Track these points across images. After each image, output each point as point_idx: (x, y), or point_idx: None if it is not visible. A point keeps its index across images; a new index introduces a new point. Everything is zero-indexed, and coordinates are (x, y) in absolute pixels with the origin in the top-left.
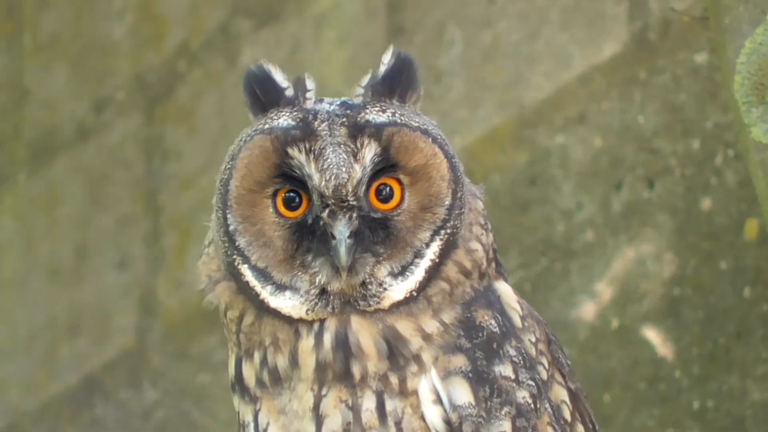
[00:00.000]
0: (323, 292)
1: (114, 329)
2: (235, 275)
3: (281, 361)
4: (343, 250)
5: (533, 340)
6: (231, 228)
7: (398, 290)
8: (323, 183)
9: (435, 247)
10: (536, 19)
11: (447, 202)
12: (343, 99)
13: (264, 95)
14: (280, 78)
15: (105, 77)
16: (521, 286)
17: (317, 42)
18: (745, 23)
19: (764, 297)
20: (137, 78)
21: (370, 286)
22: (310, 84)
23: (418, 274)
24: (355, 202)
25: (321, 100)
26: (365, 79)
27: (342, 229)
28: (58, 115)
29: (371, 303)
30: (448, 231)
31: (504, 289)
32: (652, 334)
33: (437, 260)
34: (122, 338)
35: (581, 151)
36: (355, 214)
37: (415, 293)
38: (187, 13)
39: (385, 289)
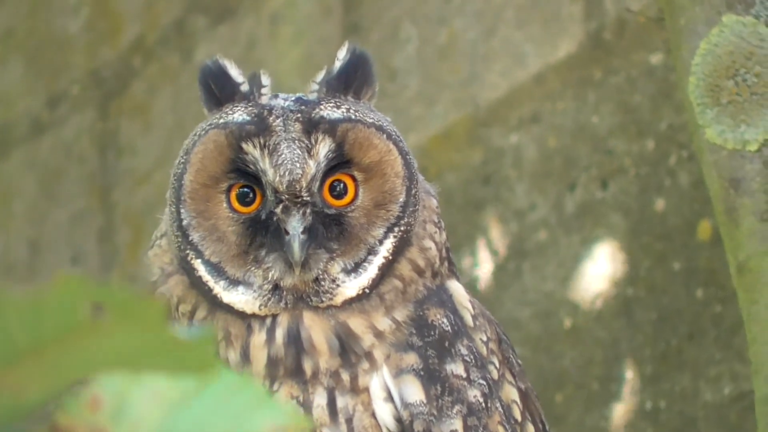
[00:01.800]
0: (276, 287)
1: None
2: (188, 270)
3: (232, 356)
4: (296, 246)
5: (484, 339)
6: (184, 222)
7: (351, 287)
8: (277, 178)
9: (388, 244)
10: (492, 17)
11: (401, 199)
12: (298, 95)
13: (219, 90)
14: (235, 73)
15: (60, 72)
16: (474, 285)
17: (273, 39)
18: (701, 24)
19: (717, 298)
20: (92, 73)
21: (323, 282)
22: (265, 79)
23: (371, 271)
24: (308, 198)
25: (276, 96)
26: (320, 75)
27: (295, 225)
28: (13, 110)
29: (324, 299)
30: (402, 228)
31: (456, 288)
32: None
33: (390, 257)
34: None
35: (535, 150)
36: (308, 210)
37: (367, 290)
38: (143, 8)
39: (338, 285)
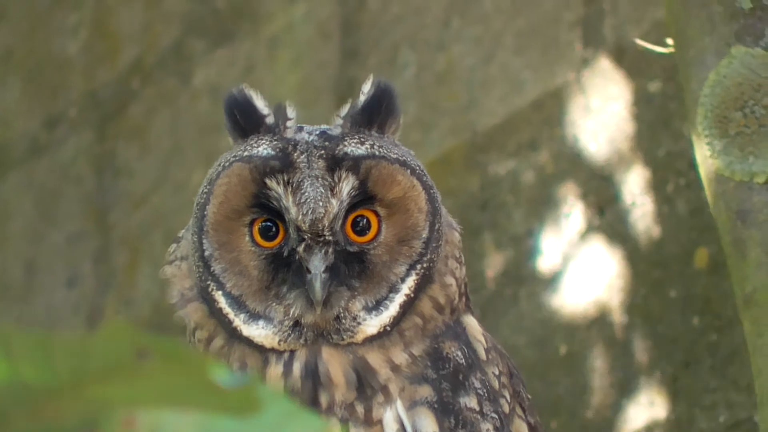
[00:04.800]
0: (297, 324)
1: None
2: (207, 299)
3: None
4: (318, 285)
5: (497, 372)
6: (206, 253)
7: (372, 325)
8: (300, 217)
9: (410, 281)
10: (490, 43)
11: (424, 235)
12: (322, 128)
13: (244, 120)
14: (261, 104)
15: (58, 93)
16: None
17: (271, 63)
18: (710, 55)
19: (713, 326)
20: (90, 95)
21: (344, 321)
22: (290, 112)
23: (392, 309)
24: (331, 237)
25: (301, 129)
26: (344, 109)
27: (317, 264)
28: (11, 130)
29: (344, 337)
30: (425, 265)
31: (470, 321)
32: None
33: (412, 295)
34: None
35: (533, 177)
36: (331, 249)
37: (389, 328)
38: (141, 31)
39: (359, 323)
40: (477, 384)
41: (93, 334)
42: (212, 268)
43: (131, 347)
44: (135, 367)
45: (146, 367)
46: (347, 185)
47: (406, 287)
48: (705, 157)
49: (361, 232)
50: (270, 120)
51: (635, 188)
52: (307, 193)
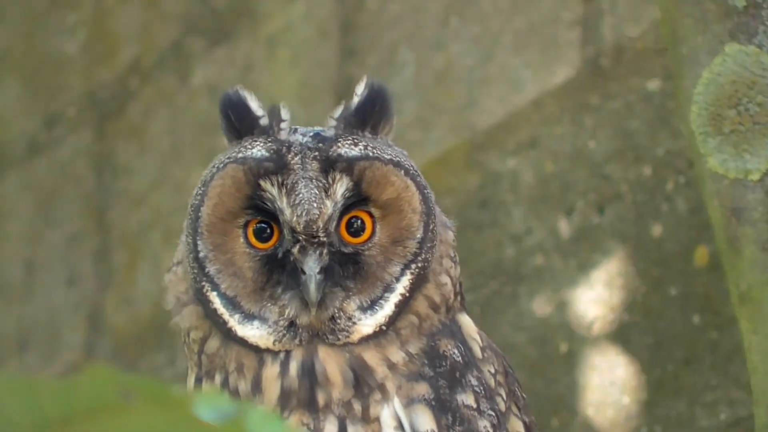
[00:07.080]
0: (292, 324)
1: (63, 345)
2: (203, 300)
3: (243, 386)
4: (312, 287)
5: (492, 371)
6: (201, 255)
7: (367, 324)
8: (294, 218)
9: (405, 281)
10: (489, 42)
11: (418, 235)
12: (316, 129)
13: (238, 121)
14: (255, 105)
15: (57, 93)
16: (471, 309)
17: (269, 62)
18: (703, 53)
19: (713, 324)
20: (89, 94)
21: (339, 321)
22: (285, 114)
23: (387, 308)
24: (325, 239)
25: (295, 130)
26: (338, 110)
27: (312, 265)
28: (9, 130)
29: (340, 337)
30: (419, 265)
31: (465, 320)
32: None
33: (407, 294)
34: (71, 354)
35: (532, 175)
36: (325, 250)
37: (384, 327)
38: (140, 30)
39: (355, 323)
40: (474, 381)
41: (76, 377)
42: (207, 269)
43: (115, 388)
44: (121, 407)
45: (132, 406)
46: (341, 186)
47: (401, 287)
48: (699, 155)
49: (356, 234)
50: (264, 121)
51: (635, 186)
52: (301, 195)
